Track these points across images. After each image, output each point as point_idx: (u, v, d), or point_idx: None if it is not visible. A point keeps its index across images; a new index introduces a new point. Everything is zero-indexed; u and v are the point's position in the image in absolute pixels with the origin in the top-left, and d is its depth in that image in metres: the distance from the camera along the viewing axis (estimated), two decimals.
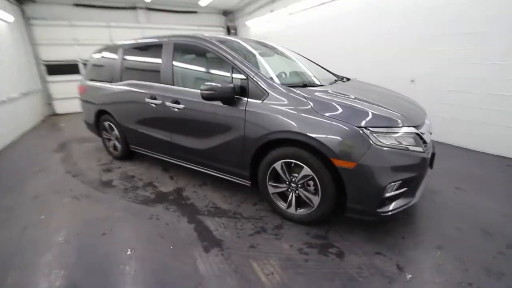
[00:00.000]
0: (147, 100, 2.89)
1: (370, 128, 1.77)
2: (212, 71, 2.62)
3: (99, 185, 3.05)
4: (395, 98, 2.42)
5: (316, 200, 2.02)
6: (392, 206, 1.86)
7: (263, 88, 2.12)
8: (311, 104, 1.95)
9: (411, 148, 1.83)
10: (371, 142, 1.74)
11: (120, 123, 3.38)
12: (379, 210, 1.83)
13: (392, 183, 1.77)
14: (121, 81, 3.30)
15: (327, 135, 1.82)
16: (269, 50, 3.05)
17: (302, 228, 2.15)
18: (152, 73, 2.95)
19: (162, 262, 1.83)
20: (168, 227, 2.22)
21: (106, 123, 3.69)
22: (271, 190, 2.26)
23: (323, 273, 1.70)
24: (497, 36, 3.29)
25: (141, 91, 2.98)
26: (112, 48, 3.54)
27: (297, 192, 2.12)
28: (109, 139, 3.82)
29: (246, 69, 2.21)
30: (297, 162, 2.01)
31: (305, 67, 2.91)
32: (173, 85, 2.71)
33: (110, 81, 3.45)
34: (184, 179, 3.09)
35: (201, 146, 2.58)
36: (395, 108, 2.01)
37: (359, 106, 1.92)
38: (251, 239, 2.04)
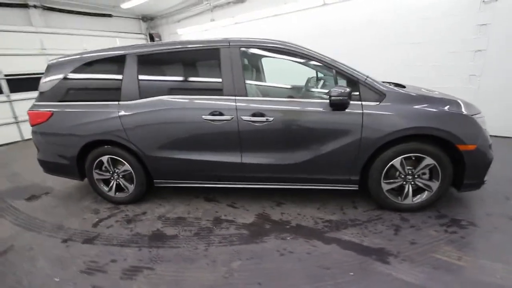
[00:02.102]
0: (205, 117, 2.34)
1: (476, 115, 2.18)
2: (302, 78, 2.44)
3: (149, 241, 2.20)
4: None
5: (435, 185, 2.27)
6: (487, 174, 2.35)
7: (379, 90, 2.19)
8: (425, 100, 2.19)
9: (485, 128, 2.38)
10: (481, 126, 2.15)
11: (144, 152, 2.54)
12: (485, 180, 2.27)
13: None
14: (140, 98, 2.49)
15: (454, 126, 2.11)
16: None
17: (420, 215, 2.33)
18: (205, 84, 2.43)
19: None
20: (315, 256, 1.93)
21: (105, 158, 2.67)
22: (385, 187, 2.34)
23: (484, 240, 1.98)
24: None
25: (192, 107, 2.39)
26: (107, 56, 2.60)
27: (413, 182, 2.31)
28: (108, 180, 2.78)
29: (355, 73, 2.22)
30: (417, 154, 2.20)
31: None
32: (247, 96, 2.33)
33: (116, 99, 2.53)
34: (251, 204, 2.66)
35: (294, 160, 2.35)
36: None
37: (458, 99, 2.29)
38: (401, 237, 2.07)
